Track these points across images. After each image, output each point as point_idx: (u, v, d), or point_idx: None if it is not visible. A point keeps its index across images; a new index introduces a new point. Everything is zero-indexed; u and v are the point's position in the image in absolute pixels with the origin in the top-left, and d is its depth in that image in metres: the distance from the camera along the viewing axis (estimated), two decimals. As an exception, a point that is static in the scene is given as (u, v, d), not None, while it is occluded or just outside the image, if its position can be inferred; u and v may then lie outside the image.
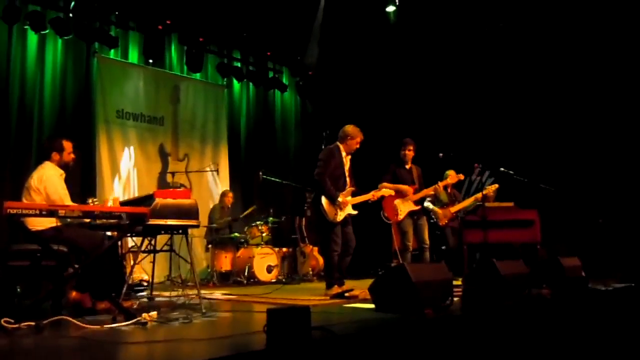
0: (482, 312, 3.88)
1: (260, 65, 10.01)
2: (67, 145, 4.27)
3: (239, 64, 9.78)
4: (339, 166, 5.26)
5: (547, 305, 4.56)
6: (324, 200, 5.12)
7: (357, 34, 9.24)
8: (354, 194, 5.31)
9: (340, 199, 5.11)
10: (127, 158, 8.04)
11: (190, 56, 8.82)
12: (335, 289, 5.05)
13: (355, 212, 5.30)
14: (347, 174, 5.32)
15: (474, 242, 6.49)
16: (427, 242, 6.00)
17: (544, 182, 6.61)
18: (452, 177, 6.61)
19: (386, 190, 5.60)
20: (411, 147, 6.08)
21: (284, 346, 2.47)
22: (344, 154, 5.32)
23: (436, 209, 7.08)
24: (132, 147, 8.11)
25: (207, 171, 8.75)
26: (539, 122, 8.44)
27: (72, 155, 4.32)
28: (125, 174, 7.96)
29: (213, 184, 9.07)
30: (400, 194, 5.89)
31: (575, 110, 8.15)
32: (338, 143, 5.35)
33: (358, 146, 5.33)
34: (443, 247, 7.13)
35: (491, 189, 6.84)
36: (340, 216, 5.14)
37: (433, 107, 9.40)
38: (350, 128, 5.33)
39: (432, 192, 6.27)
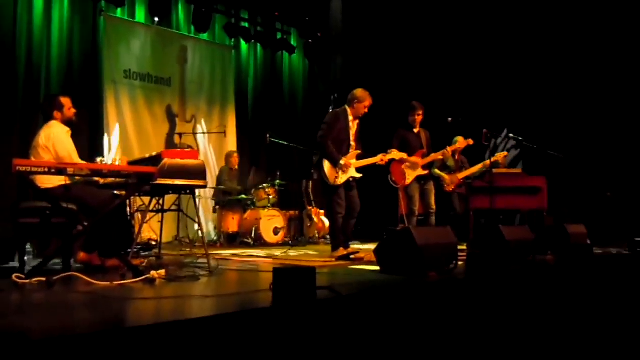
0: (486, 276, 3.91)
1: (268, 26, 9.88)
2: (66, 101, 4.25)
3: (246, 25, 9.65)
4: (343, 130, 5.22)
5: (550, 271, 4.60)
6: (325, 163, 5.12)
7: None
8: (360, 158, 5.30)
9: (342, 162, 5.09)
10: (135, 118, 8.03)
11: (197, 16, 8.70)
12: (341, 251, 5.10)
13: (359, 176, 5.28)
14: (352, 138, 5.28)
15: (481, 208, 6.50)
16: (434, 207, 6.02)
17: (553, 149, 6.56)
18: (460, 142, 6.58)
19: (395, 153, 5.56)
20: (420, 112, 6.02)
21: (289, 304, 2.51)
22: (350, 117, 5.26)
23: (443, 174, 7.07)
24: (139, 108, 8.10)
25: (214, 133, 8.74)
26: (551, 88, 8.32)
27: (73, 110, 4.29)
28: (132, 134, 7.96)
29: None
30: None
31: (588, 78, 8.02)
32: (346, 107, 5.29)
33: (366, 110, 5.26)
34: (452, 213, 7.16)
35: (500, 155, 6.81)
36: (342, 179, 5.13)
37: (443, 71, 9.27)
38: (359, 91, 5.25)
39: (441, 157, 6.25)
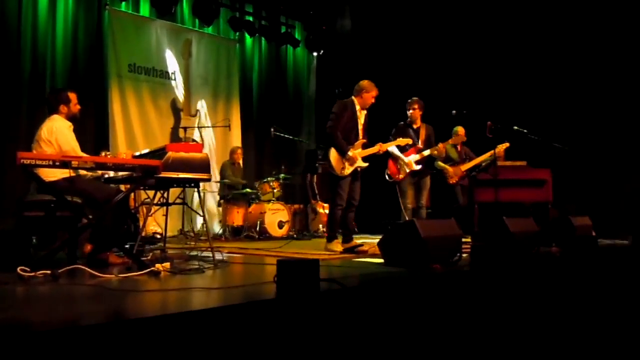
0: (490, 268, 3.91)
1: (272, 20, 9.85)
2: (73, 96, 4.23)
3: (250, 18, 9.63)
4: (351, 119, 5.24)
5: (554, 263, 4.59)
6: (332, 153, 5.14)
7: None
8: (365, 147, 5.32)
9: (350, 154, 5.11)
10: (140, 112, 8.05)
11: (201, 9, 8.69)
12: (336, 243, 5.16)
13: (365, 165, 5.30)
14: (360, 127, 5.31)
15: (485, 201, 6.47)
16: (423, 202, 5.99)
17: (558, 141, 6.52)
18: (461, 134, 6.53)
19: (391, 142, 5.64)
20: (416, 106, 6.01)
21: (293, 296, 2.52)
22: (358, 107, 5.28)
23: (447, 167, 7.05)
24: (144, 102, 8.12)
25: (219, 126, 8.73)
26: (554, 80, 8.26)
27: (78, 106, 4.27)
28: (137, 128, 7.98)
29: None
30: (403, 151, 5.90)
31: (591, 68, 7.96)
32: (353, 97, 5.32)
33: (373, 101, 5.29)
34: (455, 205, 7.13)
35: (501, 147, 6.77)
36: (348, 170, 5.15)
37: (447, 64, 9.22)
38: (365, 82, 5.29)
39: (435, 153, 6.15)
